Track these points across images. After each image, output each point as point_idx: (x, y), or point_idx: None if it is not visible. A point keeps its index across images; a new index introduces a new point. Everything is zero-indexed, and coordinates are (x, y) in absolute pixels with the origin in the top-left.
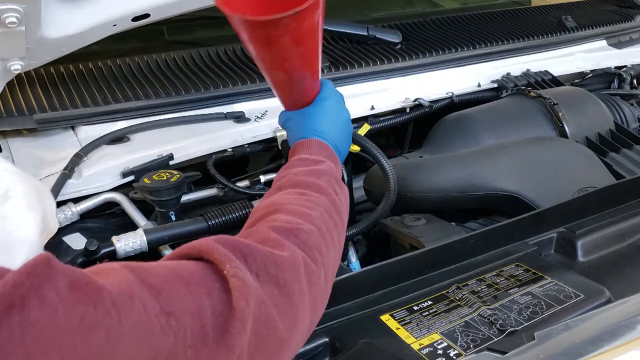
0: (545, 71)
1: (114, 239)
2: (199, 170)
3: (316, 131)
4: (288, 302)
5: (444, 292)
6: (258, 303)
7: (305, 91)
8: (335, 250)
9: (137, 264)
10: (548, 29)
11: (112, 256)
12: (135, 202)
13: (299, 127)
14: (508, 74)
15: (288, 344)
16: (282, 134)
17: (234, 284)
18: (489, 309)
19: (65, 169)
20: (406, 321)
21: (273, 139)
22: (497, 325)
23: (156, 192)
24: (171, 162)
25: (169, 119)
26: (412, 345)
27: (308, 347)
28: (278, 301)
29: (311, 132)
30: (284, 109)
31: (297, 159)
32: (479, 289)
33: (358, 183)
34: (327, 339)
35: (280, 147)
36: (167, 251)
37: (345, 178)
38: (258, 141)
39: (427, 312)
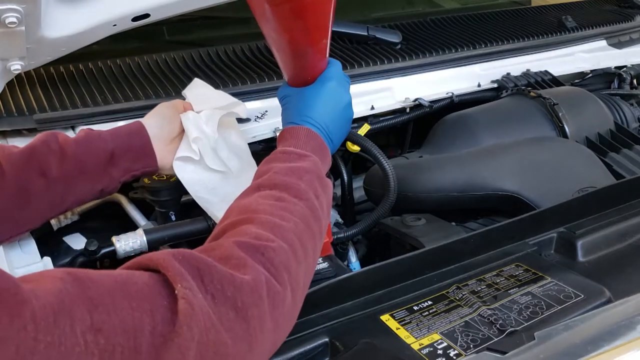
0: (545, 71)
1: (114, 239)
2: None
3: (308, 117)
4: (245, 326)
5: (444, 292)
6: (206, 328)
7: (307, 68)
8: (308, 264)
9: (85, 273)
10: (548, 29)
11: (112, 256)
12: (135, 202)
13: (293, 109)
14: (508, 74)
15: None
16: None
17: (181, 307)
18: (489, 309)
19: None
20: (406, 321)
21: (273, 139)
22: (497, 325)
23: (156, 192)
24: None
25: None
26: (412, 345)
27: (308, 347)
28: (233, 325)
29: (303, 117)
30: (285, 81)
31: (281, 151)
32: (479, 289)
33: (358, 183)
34: (327, 339)
35: None
36: None
37: (346, 178)
38: (258, 141)
39: (427, 312)
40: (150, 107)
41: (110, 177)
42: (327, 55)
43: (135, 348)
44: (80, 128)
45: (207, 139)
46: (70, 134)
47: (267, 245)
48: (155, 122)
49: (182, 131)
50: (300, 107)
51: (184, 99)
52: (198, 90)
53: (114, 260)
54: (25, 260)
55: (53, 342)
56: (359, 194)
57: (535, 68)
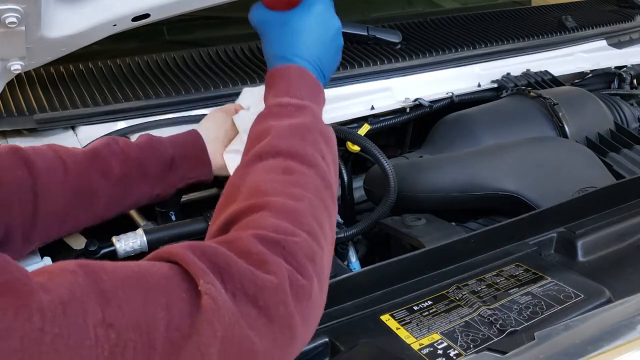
0: (545, 71)
1: (114, 239)
2: None
3: (297, 52)
4: (269, 324)
5: (444, 292)
6: (230, 323)
7: None
8: (328, 242)
9: (100, 265)
10: (548, 29)
11: (112, 256)
12: None
13: (276, 41)
14: (508, 74)
15: None
16: None
17: (204, 302)
18: (489, 309)
19: None
20: (406, 321)
21: None
22: (497, 325)
23: None
24: None
25: (169, 119)
26: (412, 345)
27: (308, 347)
28: (256, 323)
29: (291, 53)
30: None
31: (276, 104)
32: (479, 289)
33: (358, 183)
34: (327, 339)
35: None
36: None
37: (346, 178)
38: None
39: (427, 312)
40: (151, 107)
41: (168, 182)
42: None
43: (150, 343)
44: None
45: None
46: (70, 134)
47: (288, 240)
48: (209, 127)
49: (237, 133)
50: (286, 40)
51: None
52: (247, 94)
53: (114, 260)
54: (25, 260)
55: (61, 334)
56: (359, 194)
57: (535, 68)
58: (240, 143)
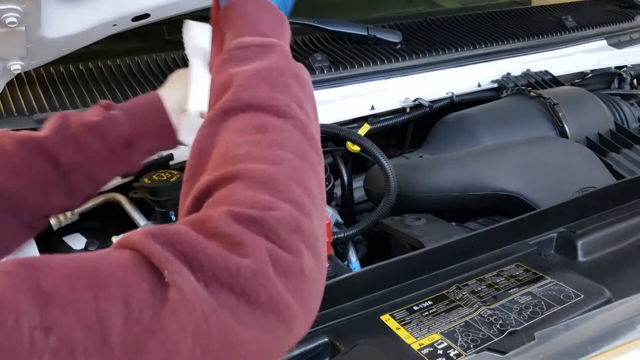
0: (545, 71)
1: (114, 239)
2: None
3: None
4: (251, 310)
5: (444, 292)
6: (204, 314)
7: None
8: (317, 206)
9: (43, 261)
10: (548, 29)
11: None
12: (135, 202)
13: None
14: (508, 74)
15: (268, 353)
16: None
17: (171, 293)
18: (489, 309)
19: None
20: (406, 321)
21: None
22: (497, 325)
23: (156, 192)
24: (171, 162)
25: None
26: (412, 345)
27: (308, 347)
28: (238, 311)
29: None
30: None
31: (237, 45)
32: (479, 289)
33: (358, 183)
34: (327, 339)
35: None
36: None
37: (346, 178)
38: None
39: (427, 312)
40: None
41: (130, 162)
42: None
43: (104, 342)
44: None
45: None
46: None
47: (266, 215)
48: (172, 90)
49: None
50: None
51: None
52: (198, 30)
53: None
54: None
55: None
56: (359, 194)
57: (535, 68)
58: (196, 99)
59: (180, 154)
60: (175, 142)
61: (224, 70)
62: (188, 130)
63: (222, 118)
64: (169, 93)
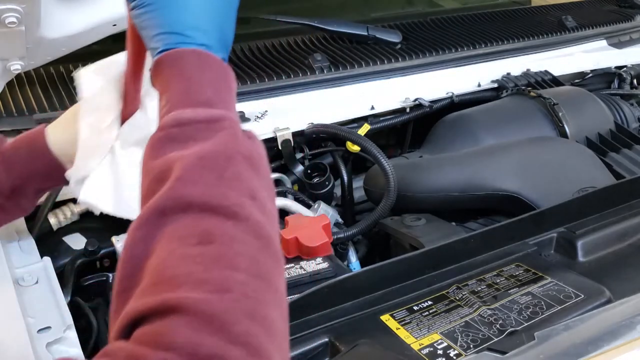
0: (545, 71)
1: (114, 239)
2: None
3: (192, 23)
4: None
5: (444, 292)
6: None
7: None
8: (278, 342)
9: None
10: (548, 29)
11: (112, 256)
12: None
13: (159, 14)
14: (508, 74)
15: None
16: (282, 134)
17: None
18: (489, 309)
19: None
20: (406, 321)
21: (273, 139)
22: (497, 325)
23: None
24: None
25: None
26: (412, 345)
27: (308, 347)
28: None
29: (182, 25)
30: None
31: (173, 122)
32: (479, 289)
33: (358, 183)
34: (327, 339)
35: (280, 148)
36: None
37: (346, 178)
38: None
39: (427, 312)
40: None
41: (20, 208)
42: None
43: None
44: None
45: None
46: None
47: None
48: (59, 132)
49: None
50: (172, 11)
51: None
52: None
53: (114, 260)
54: (25, 260)
55: None
56: (359, 194)
57: (535, 68)
58: (77, 171)
59: None
60: (64, 181)
61: (159, 155)
62: (76, 182)
63: (158, 219)
64: (54, 132)
